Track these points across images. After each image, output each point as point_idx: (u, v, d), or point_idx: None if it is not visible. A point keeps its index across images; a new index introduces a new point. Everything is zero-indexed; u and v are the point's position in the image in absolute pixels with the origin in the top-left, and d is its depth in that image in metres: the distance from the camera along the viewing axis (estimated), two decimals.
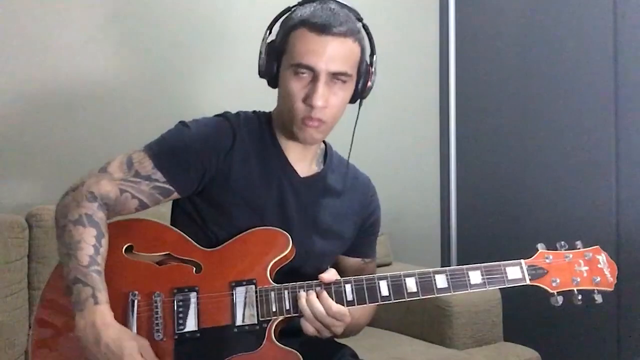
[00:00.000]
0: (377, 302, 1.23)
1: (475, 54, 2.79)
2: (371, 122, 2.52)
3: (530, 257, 1.26)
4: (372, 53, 1.33)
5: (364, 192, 1.45)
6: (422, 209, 2.83)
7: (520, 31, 2.60)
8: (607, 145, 2.28)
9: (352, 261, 1.46)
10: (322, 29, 1.21)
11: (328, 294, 1.20)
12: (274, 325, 1.21)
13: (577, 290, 1.24)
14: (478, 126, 2.77)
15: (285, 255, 1.26)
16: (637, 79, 2.21)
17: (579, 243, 1.28)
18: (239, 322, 1.21)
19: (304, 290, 1.21)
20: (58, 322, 1.24)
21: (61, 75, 2.03)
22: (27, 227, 1.78)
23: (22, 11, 1.97)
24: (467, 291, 1.23)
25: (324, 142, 1.43)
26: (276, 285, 1.23)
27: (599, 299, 1.24)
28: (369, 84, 1.33)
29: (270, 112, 1.39)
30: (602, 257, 1.27)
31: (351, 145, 1.40)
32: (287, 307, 1.21)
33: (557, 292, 1.24)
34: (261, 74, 1.33)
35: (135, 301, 1.21)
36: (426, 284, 1.23)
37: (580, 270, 1.25)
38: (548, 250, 1.27)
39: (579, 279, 1.24)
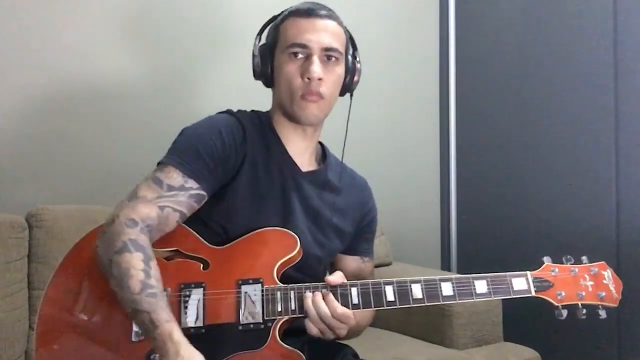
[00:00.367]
0: (383, 306, 1.24)
1: (475, 54, 2.78)
2: (371, 122, 2.53)
3: (535, 268, 1.28)
4: (355, 49, 1.41)
5: (361, 191, 1.49)
6: (422, 209, 2.83)
7: (520, 31, 2.59)
8: (607, 145, 2.28)
9: (351, 260, 1.48)
10: (310, 12, 1.32)
11: (334, 296, 1.22)
12: (279, 325, 1.22)
13: (582, 304, 1.25)
14: (478, 126, 2.77)
15: (293, 256, 1.27)
16: (637, 79, 2.21)
17: (585, 258, 1.30)
18: (243, 320, 1.21)
19: (310, 291, 1.22)
20: (62, 319, 1.22)
21: (61, 75, 2.01)
22: (27, 227, 1.76)
23: (26, 12, 1.96)
24: (472, 300, 1.25)
25: (320, 143, 1.46)
26: (282, 285, 1.24)
27: (603, 314, 1.25)
28: (356, 77, 1.40)
29: (267, 111, 1.41)
30: (608, 273, 1.29)
31: (345, 142, 1.43)
32: (293, 308, 1.22)
33: (562, 306, 1.25)
34: (256, 76, 1.38)
35: None
36: (432, 291, 1.24)
37: (585, 284, 1.27)
38: (554, 263, 1.29)
39: (584, 294, 1.26)
